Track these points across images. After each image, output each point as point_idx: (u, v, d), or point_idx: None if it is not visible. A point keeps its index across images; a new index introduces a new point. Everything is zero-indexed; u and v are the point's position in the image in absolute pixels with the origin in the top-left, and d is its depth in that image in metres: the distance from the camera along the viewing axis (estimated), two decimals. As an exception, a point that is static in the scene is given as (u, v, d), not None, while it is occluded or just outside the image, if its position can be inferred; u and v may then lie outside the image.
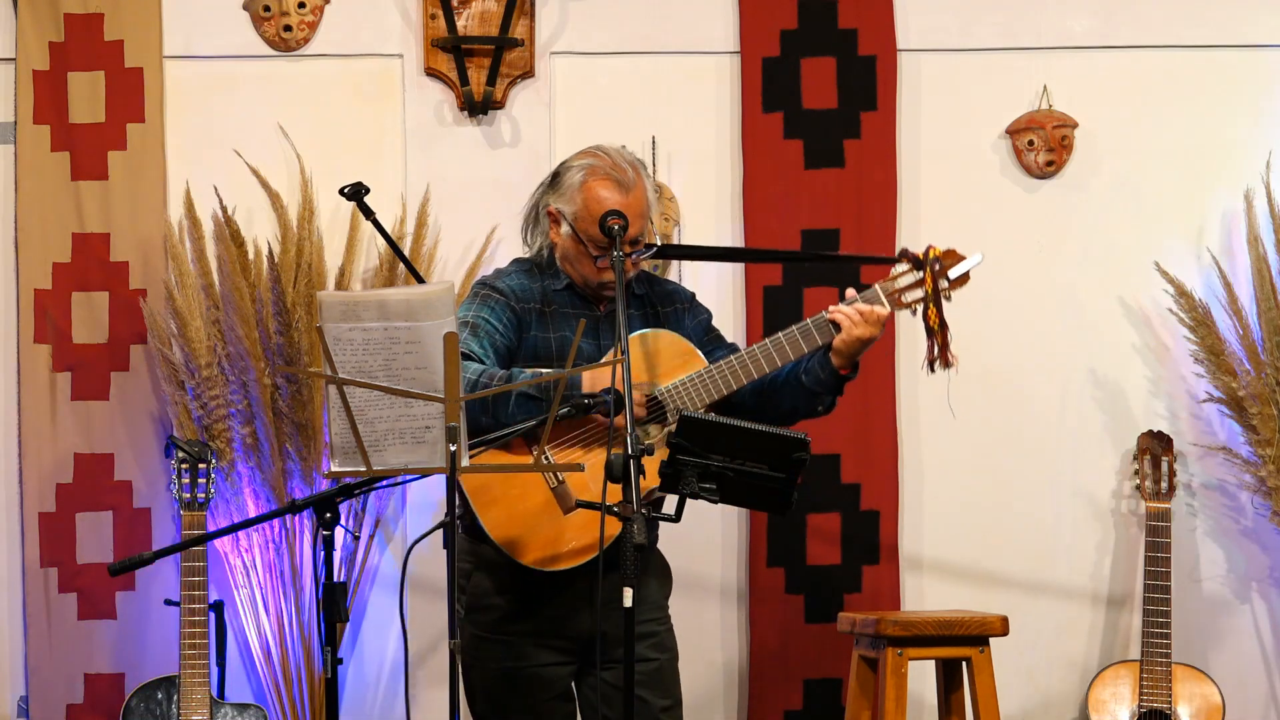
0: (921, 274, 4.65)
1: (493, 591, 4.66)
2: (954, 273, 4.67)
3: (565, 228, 4.68)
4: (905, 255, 4.68)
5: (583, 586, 4.56)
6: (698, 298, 4.89)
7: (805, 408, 4.72)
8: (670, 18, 6.24)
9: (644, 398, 4.58)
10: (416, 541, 4.46)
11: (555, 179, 4.73)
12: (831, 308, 4.63)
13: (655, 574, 4.79)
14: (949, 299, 4.67)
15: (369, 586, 6.10)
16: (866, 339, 4.61)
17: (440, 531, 4.25)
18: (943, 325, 4.65)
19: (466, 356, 4.56)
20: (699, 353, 4.66)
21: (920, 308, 4.66)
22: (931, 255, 4.66)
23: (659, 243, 4.98)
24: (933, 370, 4.67)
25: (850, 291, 4.65)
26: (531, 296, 4.71)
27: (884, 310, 4.62)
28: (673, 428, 4.45)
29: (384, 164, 6.18)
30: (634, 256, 4.66)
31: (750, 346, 4.64)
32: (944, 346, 4.67)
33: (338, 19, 6.21)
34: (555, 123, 6.21)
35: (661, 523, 4.62)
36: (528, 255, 4.80)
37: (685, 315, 4.82)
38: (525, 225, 4.81)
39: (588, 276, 4.69)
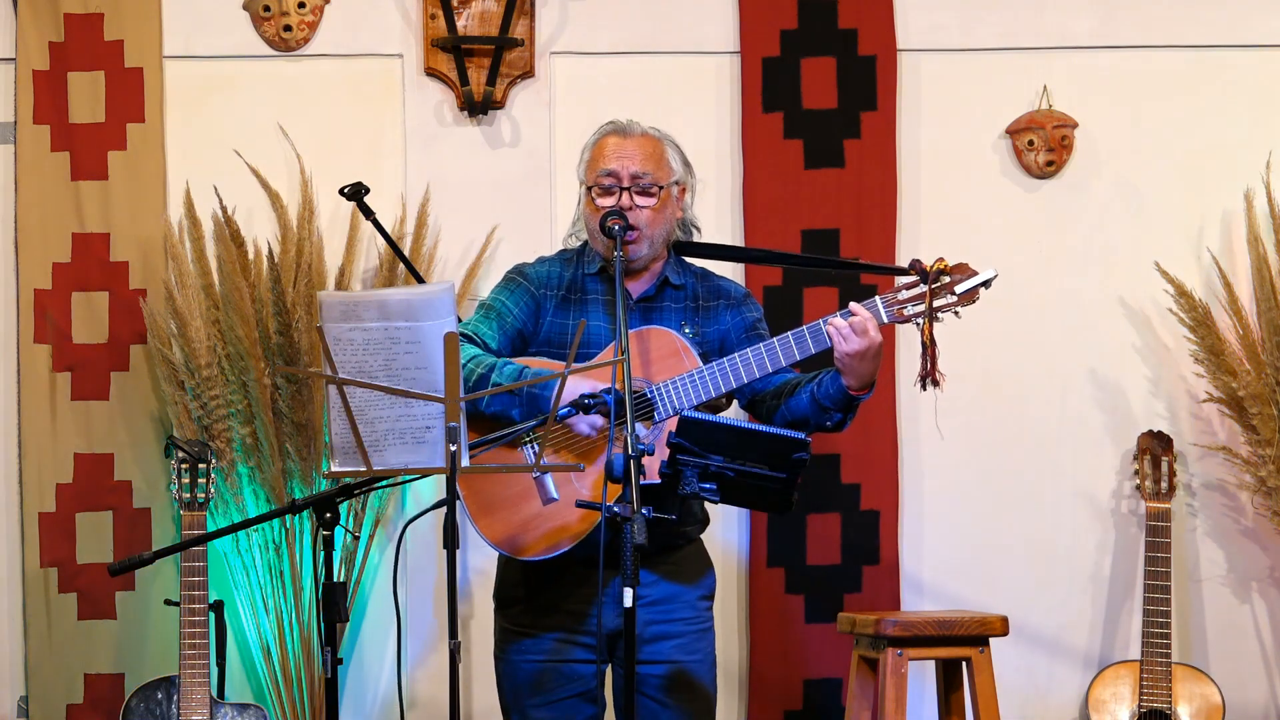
0: (925, 287, 4.52)
1: (520, 582, 4.69)
2: (961, 288, 4.53)
3: (582, 190, 4.76)
4: (914, 266, 4.55)
5: (606, 578, 4.48)
6: (750, 298, 4.85)
7: (815, 420, 4.65)
8: (670, 18, 6.24)
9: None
10: (411, 519, 4.54)
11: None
12: (828, 318, 4.54)
13: (689, 573, 4.77)
14: (957, 315, 4.55)
15: (369, 586, 6.10)
16: (857, 352, 4.50)
17: (441, 532, 4.26)
18: (932, 342, 4.51)
19: (470, 340, 4.62)
20: (693, 352, 4.63)
21: (919, 322, 4.52)
22: (936, 268, 4.52)
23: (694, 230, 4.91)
24: (923, 388, 4.54)
25: (853, 304, 4.55)
26: (554, 283, 4.76)
27: (875, 322, 4.50)
28: (672, 428, 4.45)
29: (384, 164, 6.18)
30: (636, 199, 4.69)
31: (743, 351, 4.59)
32: (932, 365, 4.52)
33: (337, 19, 6.21)
34: (555, 123, 6.21)
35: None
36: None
37: (726, 312, 4.79)
38: (575, 217, 4.87)
39: (595, 231, 4.69)
